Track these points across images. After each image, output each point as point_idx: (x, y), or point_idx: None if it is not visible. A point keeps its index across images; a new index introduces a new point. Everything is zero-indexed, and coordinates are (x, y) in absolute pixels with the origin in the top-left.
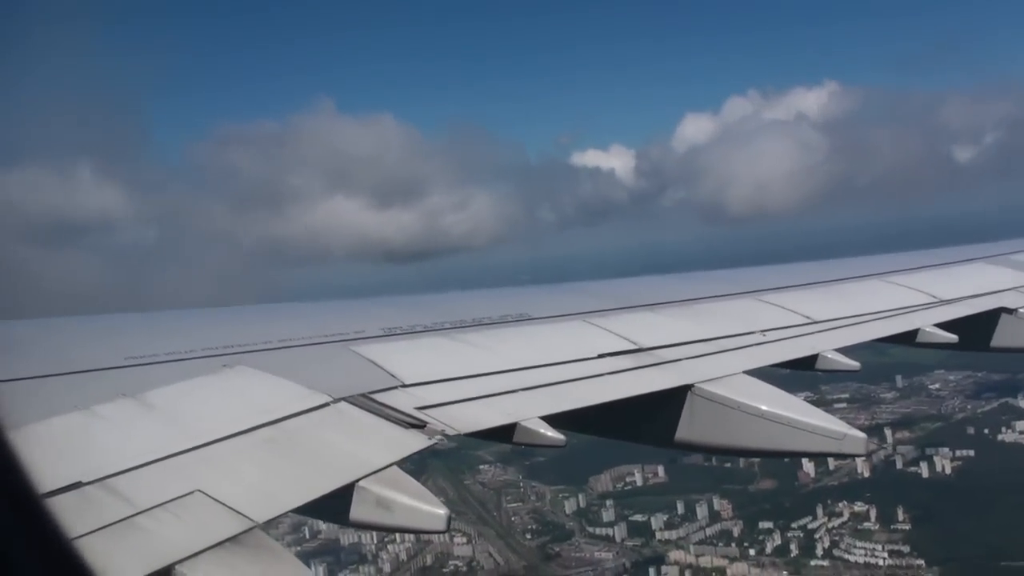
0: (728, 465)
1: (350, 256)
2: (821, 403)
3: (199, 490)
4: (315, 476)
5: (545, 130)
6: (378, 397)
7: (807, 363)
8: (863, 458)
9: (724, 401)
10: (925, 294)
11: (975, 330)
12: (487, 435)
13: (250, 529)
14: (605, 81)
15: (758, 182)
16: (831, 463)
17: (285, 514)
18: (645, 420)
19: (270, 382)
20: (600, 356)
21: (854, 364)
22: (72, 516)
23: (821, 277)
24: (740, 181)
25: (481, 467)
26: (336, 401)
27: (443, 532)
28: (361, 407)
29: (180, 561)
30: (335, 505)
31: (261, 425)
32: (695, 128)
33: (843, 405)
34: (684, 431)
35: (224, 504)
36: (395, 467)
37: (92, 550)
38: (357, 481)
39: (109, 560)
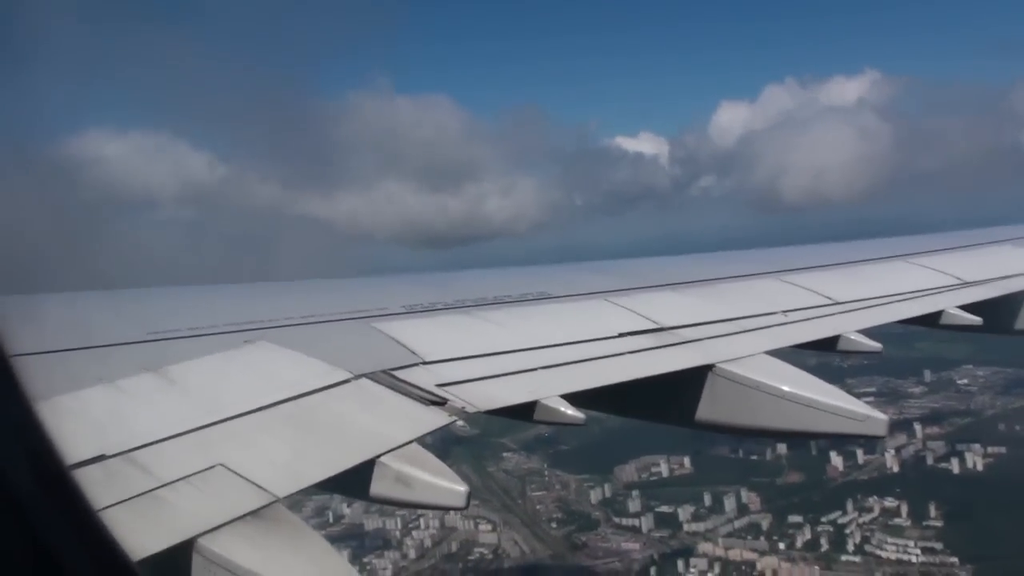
0: (755, 458)
1: (391, 240)
2: None
3: (221, 464)
4: (336, 452)
5: (572, 116)
6: (399, 374)
7: (829, 344)
8: (892, 453)
9: (745, 381)
10: (950, 276)
11: (999, 312)
12: (507, 413)
13: (271, 503)
14: (637, 67)
15: (813, 169)
16: (860, 457)
17: (307, 493)
18: (665, 400)
19: (292, 358)
20: (620, 335)
21: (876, 345)
22: (95, 488)
23: (844, 258)
24: (794, 168)
25: (504, 455)
26: (357, 377)
27: (463, 508)
28: (382, 384)
29: (202, 534)
30: (355, 481)
31: (282, 401)
32: (733, 115)
33: (870, 399)
34: (704, 411)
35: (246, 478)
36: (415, 444)
37: (115, 522)
38: (378, 457)
39: (132, 532)
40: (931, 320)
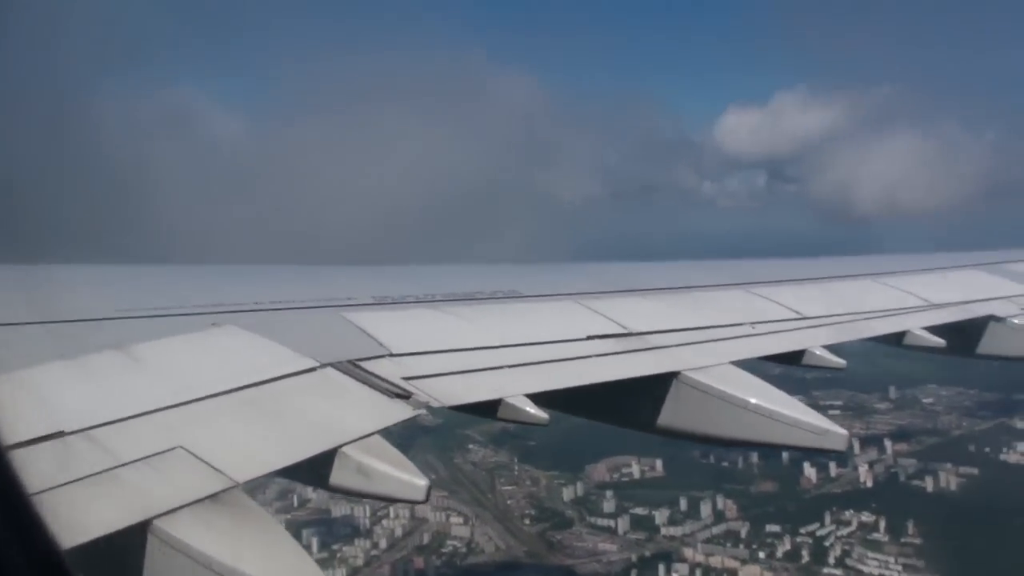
0: (726, 464)
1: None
2: (814, 408)
3: (181, 446)
4: (298, 440)
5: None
6: (365, 365)
7: (794, 358)
8: (865, 468)
9: (709, 390)
10: (916, 297)
11: (962, 336)
12: (472, 409)
13: (230, 488)
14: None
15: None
16: (832, 469)
17: (268, 477)
18: (630, 404)
19: (258, 343)
20: (589, 338)
21: (840, 362)
22: (53, 465)
23: (814, 274)
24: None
25: (470, 447)
26: (323, 366)
27: (422, 502)
28: (347, 374)
29: (158, 516)
30: (316, 470)
31: (247, 386)
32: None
33: (836, 412)
34: (668, 417)
35: (205, 462)
36: (378, 435)
37: (71, 500)
38: (339, 447)
39: (88, 510)
40: (895, 339)
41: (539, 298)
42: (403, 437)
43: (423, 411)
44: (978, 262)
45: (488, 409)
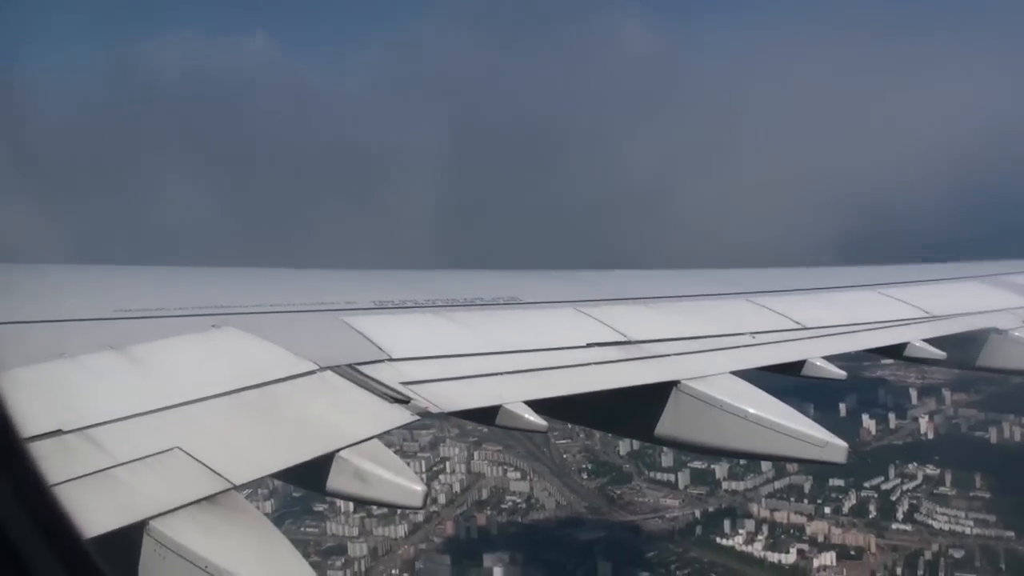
0: None
1: None
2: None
3: (179, 447)
4: (296, 443)
5: None
6: (365, 369)
7: (794, 368)
8: (926, 419)
9: (709, 400)
10: (917, 308)
11: (963, 348)
12: (470, 415)
13: (227, 490)
14: None
15: None
16: (892, 421)
17: (261, 479)
18: (629, 413)
19: (258, 346)
20: (588, 345)
21: (840, 373)
22: (50, 463)
23: (815, 284)
24: None
25: None
26: (322, 370)
27: (419, 509)
28: (347, 378)
29: (154, 516)
30: (313, 473)
31: (245, 388)
32: None
33: (890, 361)
34: (667, 427)
35: (203, 463)
36: (376, 440)
37: (67, 498)
38: (337, 451)
39: (84, 510)
40: (896, 351)
41: (539, 305)
42: None
43: (420, 417)
44: (978, 273)
45: (487, 415)
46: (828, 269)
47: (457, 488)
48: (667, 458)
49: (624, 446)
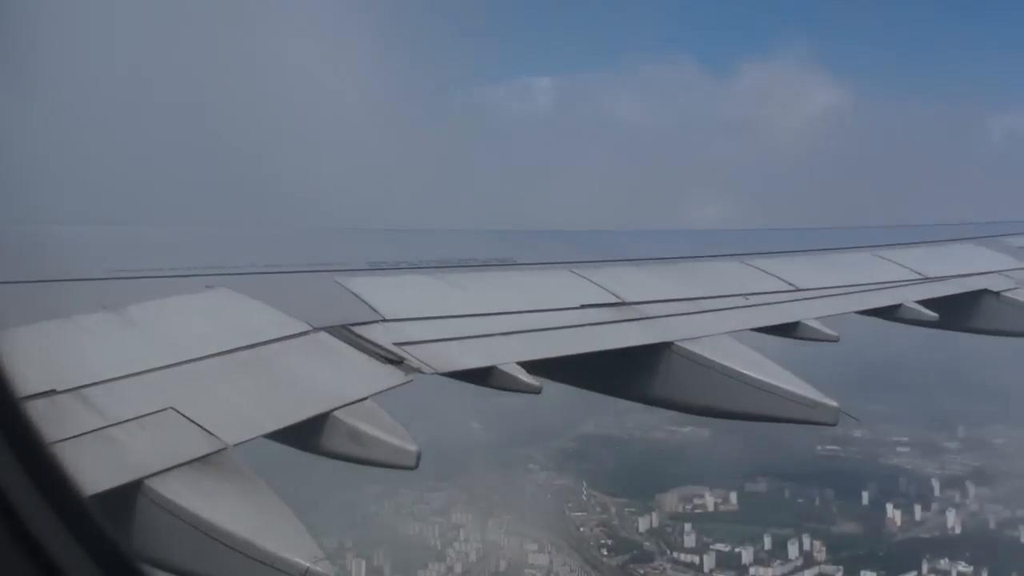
0: (801, 500)
1: None
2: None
3: (173, 408)
4: (290, 403)
5: None
6: (358, 330)
7: (788, 329)
8: (953, 513)
9: (702, 361)
10: (911, 270)
11: (956, 310)
12: (464, 376)
13: (221, 450)
14: None
15: None
16: (917, 512)
17: (256, 439)
18: (623, 374)
19: (251, 306)
20: (582, 307)
21: (833, 334)
22: (44, 423)
23: (809, 245)
24: None
25: (531, 466)
26: (316, 330)
27: (412, 468)
28: (340, 338)
29: (149, 476)
30: (307, 434)
31: (239, 348)
32: None
33: (905, 450)
34: (661, 388)
35: (197, 424)
36: (370, 400)
37: (61, 458)
38: (331, 411)
39: (78, 470)
40: (889, 312)
41: (533, 266)
42: (458, 453)
43: (413, 378)
44: (975, 235)
45: (480, 376)
46: (823, 230)
47: (473, 557)
48: (690, 538)
49: (643, 522)
